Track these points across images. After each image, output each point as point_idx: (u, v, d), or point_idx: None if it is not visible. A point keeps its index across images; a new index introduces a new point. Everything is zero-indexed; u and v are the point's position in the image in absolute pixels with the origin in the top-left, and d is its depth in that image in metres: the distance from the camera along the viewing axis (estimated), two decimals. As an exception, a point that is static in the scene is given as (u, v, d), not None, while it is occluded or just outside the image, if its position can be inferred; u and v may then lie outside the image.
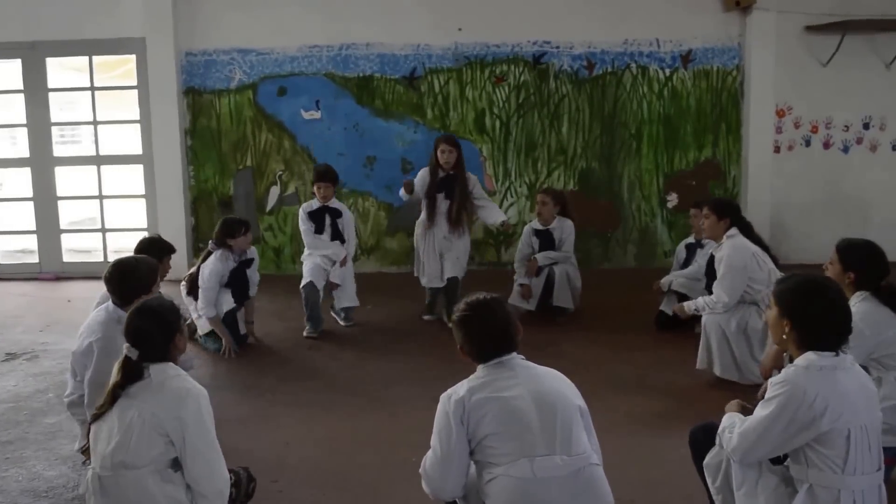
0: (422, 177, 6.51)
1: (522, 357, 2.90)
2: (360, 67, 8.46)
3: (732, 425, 2.86)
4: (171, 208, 8.44)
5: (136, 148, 8.63)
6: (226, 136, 8.58)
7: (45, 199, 8.68)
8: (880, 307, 3.59)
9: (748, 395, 3.58)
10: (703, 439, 3.06)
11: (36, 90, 8.50)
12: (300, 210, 6.54)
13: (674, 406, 4.75)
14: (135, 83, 8.46)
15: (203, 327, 5.93)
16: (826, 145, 8.65)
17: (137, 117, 8.53)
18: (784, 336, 2.81)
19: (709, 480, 3.01)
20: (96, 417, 2.96)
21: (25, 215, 8.91)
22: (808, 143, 8.64)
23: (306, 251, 6.48)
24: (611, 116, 8.55)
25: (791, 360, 2.81)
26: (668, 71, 8.49)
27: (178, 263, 6.03)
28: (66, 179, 9.06)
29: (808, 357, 2.72)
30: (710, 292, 5.26)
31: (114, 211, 8.97)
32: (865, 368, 3.19)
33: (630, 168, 8.62)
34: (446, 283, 6.50)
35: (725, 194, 8.43)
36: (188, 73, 8.47)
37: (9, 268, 8.84)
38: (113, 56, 8.74)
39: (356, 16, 8.35)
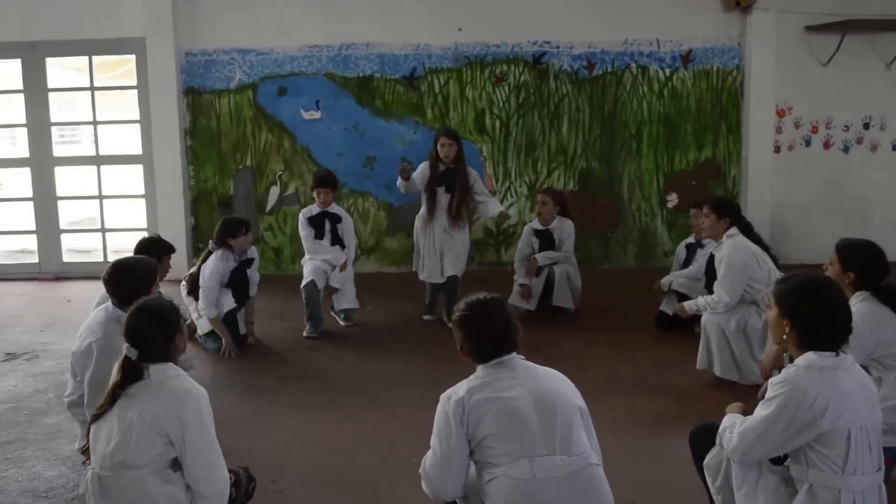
0: (422, 170, 6.49)
1: (522, 357, 2.89)
2: (360, 67, 8.46)
3: (733, 425, 2.86)
4: (170, 208, 8.45)
5: (136, 148, 8.63)
6: (226, 136, 8.58)
7: (45, 199, 8.68)
8: (880, 307, 3.59)
9: (748, 396, 3.58)
10: (703, 439, 3.06)
11: (36, 90, 8.50)
12: (300, 215, 6.54)
13: (674, 406, 4.75)
14: (135, 83, 8.46)
15: (203, 327, 5.92)
16: (826, 145, 8.65)
17: (137, 117, 8.53)
18: (784, 336, 2.81)
19: (709, 480, 3.01)
20: (96, 417, 2.96)
21: (25, 215, 8.91)
22: (808, 143, 8.65)
23: (306, 256, 6.49)
24: (611, 116, 8.55)
25: (791, 360, 2.81)
26: (668, 71, 8.49)
27: (178, 263, 6.04)
28: (66, 179, 9.06)
29: (809, 357, 2.72)
30: (710, 292, 5.27)
31: (114, 211, 8.97)
32: (866, 368, 3.19)
33: (630, 168, 8.62)
34: (446, 281, 6.50)
35: (725, 194, 8.42)
36: (188, 73, 8.47)
37: (9, 268, 8.84)
38: (113, 56, 8.74)
39: (356, 16, 8.35)
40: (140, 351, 2.94)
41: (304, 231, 6.45)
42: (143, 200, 8.69)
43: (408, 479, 3.44)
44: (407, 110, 8.51)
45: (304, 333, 6.27)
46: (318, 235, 6.43)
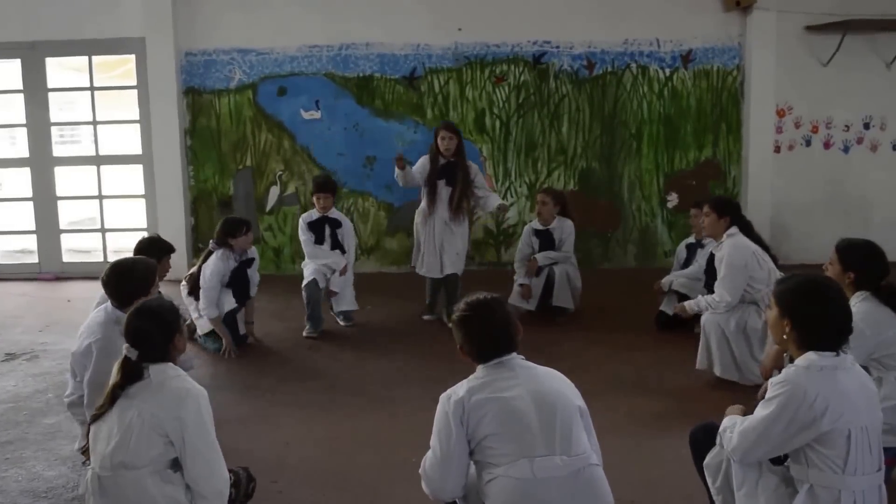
0: (422, 164, 6.47)
1: (522, 357, 2.89)
2: (360, 67, 8.46)
3: (733, 425, 2.86)
4: (170, 208, 8.44)
5: (136, 148, 8.63)
6: (226, 136, 8.58)
7: (45, 199, 8.68)
8: (880, 307, 3.58)
9: (748, 396, 3.58)
10: (703, 439, 3.06)
11: (36, 90, 8.50)
12: (300, 221, 6.54)
13: (674, 406, 4.75)
14: (134, 83, 8.46)
15: (203, 327, 5.92)
16: (826, 145, 8.65)
17: (137, 117, 8.53)
18: (784, 336, 2.81)
19: (709, 481, 3.01)
20: (96, 418, 2.96)
21: (25, 215, 8.91)
22: (808, 143, 8.64)
23: (306, 260, 6.49)
24: (611, 116, 8.55)
25: (791, 360, 2.81)
26: (668, 71, 8.49)
27: (178, 263, 6.03)
28: (66, 179, 9.07)
29: (809, 357, 2.72)
30: (710, 291, 5.26)
31: (113, 211, 8.97)
32: (866, 368, 3.19)
33: (630, 168, 8.62)
34: (446, 280, 6.49)
35: (726, 194, 8.41)
36: (188, 73, 8.47)
37: (9, 268, 8.84)
38: (112, 56, 8.74)
39: (356, 16, 8.35)
40: (140, 351, 2.94)
41: (304, 236, 6.45)
42: (142, 200, 8.69)
43: (408, 479, 3.44)
44: (407, 110, 8.51)
45: (304, 333, 6.27)
46: (319, 240, 6.44)
